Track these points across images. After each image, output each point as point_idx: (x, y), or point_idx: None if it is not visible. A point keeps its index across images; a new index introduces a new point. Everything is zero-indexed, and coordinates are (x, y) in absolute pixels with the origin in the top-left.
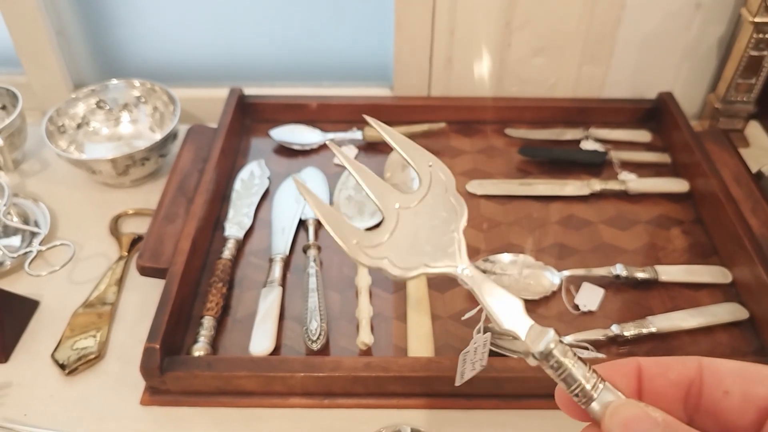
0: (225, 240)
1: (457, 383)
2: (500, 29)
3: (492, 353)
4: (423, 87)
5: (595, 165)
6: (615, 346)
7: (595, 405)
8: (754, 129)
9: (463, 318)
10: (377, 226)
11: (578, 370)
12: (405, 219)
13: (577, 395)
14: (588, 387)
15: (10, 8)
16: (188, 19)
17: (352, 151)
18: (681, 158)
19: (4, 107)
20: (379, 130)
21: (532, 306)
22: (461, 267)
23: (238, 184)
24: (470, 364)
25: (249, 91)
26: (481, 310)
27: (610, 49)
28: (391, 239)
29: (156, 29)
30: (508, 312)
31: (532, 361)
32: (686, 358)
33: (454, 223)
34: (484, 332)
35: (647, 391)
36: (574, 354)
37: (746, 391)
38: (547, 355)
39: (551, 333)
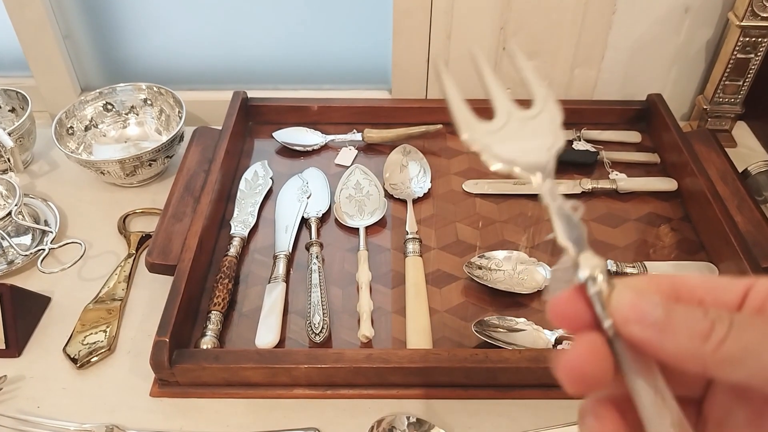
0: (230, 238)
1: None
2: (495, 33)
3: (487, 345)
4: (420, 90)
5: (587, 165)
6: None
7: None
8: (741, 129)
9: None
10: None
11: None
12: (512, 124)
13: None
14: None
15: (18, 13)
16: (193, 24)
17: (351, 152)
18: (670, 158)
19: (13, 110)
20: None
21: (525, 300)
22: (544, 179)
23: (242, 184)
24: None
25: (252, 94)
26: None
27: (601, 53)
28: (498, 133)
29: (161, 34)
30: (569, 231)
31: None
32: (658, 276)
33: (552, 141)
34: (477, 324)
35: None
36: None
37: (716, 299)
38: (587, 281)
39: (600, 262)
